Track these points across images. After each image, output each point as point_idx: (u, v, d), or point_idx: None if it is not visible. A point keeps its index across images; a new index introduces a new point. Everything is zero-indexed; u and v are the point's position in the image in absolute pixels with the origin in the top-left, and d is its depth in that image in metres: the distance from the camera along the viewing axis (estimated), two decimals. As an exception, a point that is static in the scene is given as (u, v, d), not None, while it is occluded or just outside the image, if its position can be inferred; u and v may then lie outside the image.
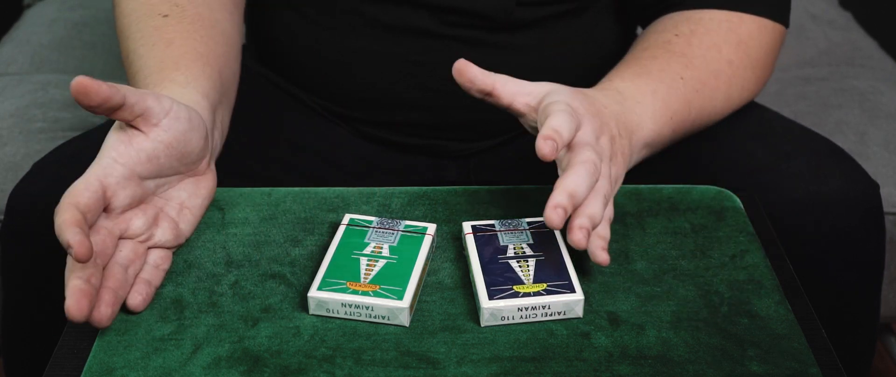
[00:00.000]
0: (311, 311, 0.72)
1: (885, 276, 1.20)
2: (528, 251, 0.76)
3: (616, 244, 0.79)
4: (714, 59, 0.91)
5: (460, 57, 0.98)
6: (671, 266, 0.77)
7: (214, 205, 0.83)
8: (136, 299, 0.71)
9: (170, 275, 0.75)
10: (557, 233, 0.78)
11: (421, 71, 0.99)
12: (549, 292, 0.71)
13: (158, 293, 0.73)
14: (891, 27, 1.86)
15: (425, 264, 0.75)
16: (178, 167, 0.75)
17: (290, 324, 0.71)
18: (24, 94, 1.38)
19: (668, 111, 0.87)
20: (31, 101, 1.36)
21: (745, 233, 0.81)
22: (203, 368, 0.67)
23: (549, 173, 0.96)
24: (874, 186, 0.91)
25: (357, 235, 0.77)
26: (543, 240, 0.77)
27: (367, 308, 0.71)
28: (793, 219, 0.87)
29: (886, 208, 1.28)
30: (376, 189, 0.86)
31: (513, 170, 1.04)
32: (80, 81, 0.68)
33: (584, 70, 1.02)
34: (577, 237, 0.69)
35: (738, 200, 0.85)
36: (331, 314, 0.72)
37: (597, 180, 0.71)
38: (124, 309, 0.71)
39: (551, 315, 0.71)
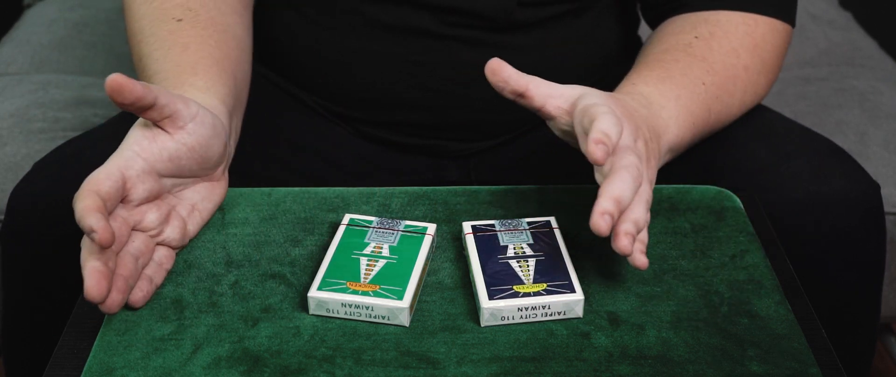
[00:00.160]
0: (311, 311, 0.72)
1: (885, 276, 1.20)
2: (528, 251, 0.76)
3: (616, 244, 0.79)
4: (732, 64, 0.91)
5: (460, 57, 0.98)
6: (671, 266, 0.77)
7: (214, 205, 0.83)
8: (137, 295, 0.71)
9: (170, 275, 0.75)
10: (557, 234, 0.78)
11: (421, 71, 0.99)
12: (549, 292, 0.71)
13: (158, 293, 0.73)
14: (891, 27, 1.86)
15: (425, 264, 0.75)
16: (196, 170, 0.76)
17: (290, 324, 0.71)
18: (24, 94, 1.38)
19: (691, 117, 0.87)
20: (31, 101, 1.36)
21: (745, 233, 0.81)
22: (203, 368, 0.67)
23: (548, 173, 0.97)
24: (875, 186, 0.91)
25: (357, 235, 0.77)
26: (543, 240, 0.77)
27: (367, 308, 0.71)
28: (793, 219, 0.87)
29: (887, 208, 1.28)
30: (376, 189, 0.86)
31: (513, 170, 1.04)
32: (116, 79, 0.69)
33: (585, 70, 1.01)
34: (624, 243, 0.68)
35: (738, 200, 0.85)
36: (331, 314, 0.72)
37: (640, 185, 0.71)
38: (124, 307, 0.71)
39: (551, 315, 0.71)
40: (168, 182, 0.75)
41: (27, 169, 0.96)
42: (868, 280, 0.93)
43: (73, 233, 0.87)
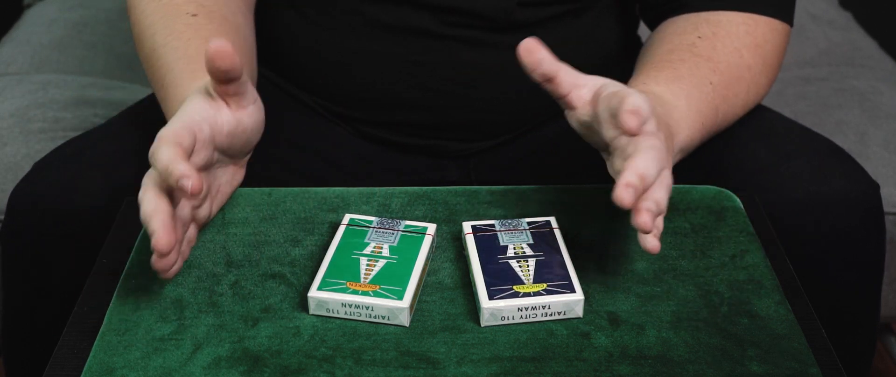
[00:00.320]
0: (311, 311, 0.72)
1: (885, 276, 1.20)
2: (528, 251, 0.76)
3: (616, 244, 0.79)
4: (736, 64, 0.91)
5: (460, 57, 0.98)
6: (671, 266, 0.77)
7: (214, 205, 0.83)
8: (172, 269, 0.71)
9: (170, 275, 0.75)
10: (557, 234, 0.78)
11: (421, 71, 0.99)
12: (549, 292, 0.71)
13: (158, 293, 0.73)
14: (891, 27, 1.86)
15: (425, 264, 0.75)
16: (237, 152, 0.78)
17: (290, 324, 0.71)
18: (24, 94, 1.38)
19: (700, 117, 0.87)
20: (31, 101, 1.36)
21: (745, 233, 0.81)
22: (203, 368, 0.67)
23: (548, 173, 0.97)
24: (874, 186, 0.91)
25: (357, 235, 0.77)
26: (543, 240, 0.77)
27: (367, 308, 0.71)
28: (793, 219, 0.87)
29: (886, 208, 1.28)
30: (376, 189, 0.86)
31: (513, 170, 1.03)
32: (223, 44, 0.70)
33: (585, 71, 1.01)
34: (644, 218, 0.67)
35: (738, 200, 0.85)
36: (331, 314, 0.71)
37: (663, 168, 0.71)
38: (128, 303, 0.71)
39: (551, 315, 0.71)
40: (216, 156, 0.76)
41: (27, 169, 0.96)
42: (868, 280, 0.93)
43: (74, 233, 0.87)
